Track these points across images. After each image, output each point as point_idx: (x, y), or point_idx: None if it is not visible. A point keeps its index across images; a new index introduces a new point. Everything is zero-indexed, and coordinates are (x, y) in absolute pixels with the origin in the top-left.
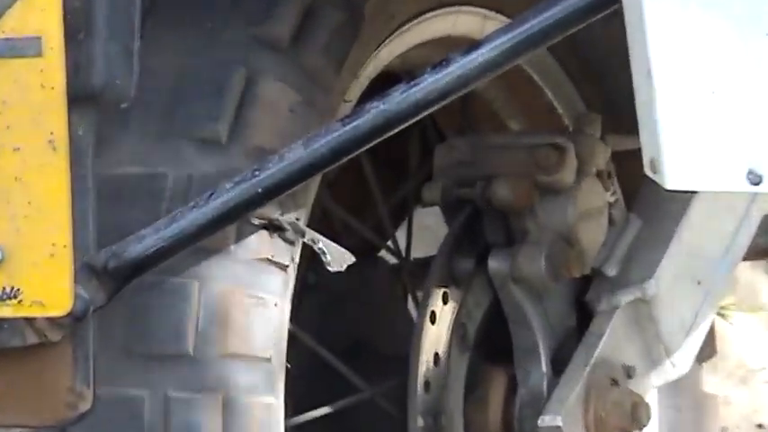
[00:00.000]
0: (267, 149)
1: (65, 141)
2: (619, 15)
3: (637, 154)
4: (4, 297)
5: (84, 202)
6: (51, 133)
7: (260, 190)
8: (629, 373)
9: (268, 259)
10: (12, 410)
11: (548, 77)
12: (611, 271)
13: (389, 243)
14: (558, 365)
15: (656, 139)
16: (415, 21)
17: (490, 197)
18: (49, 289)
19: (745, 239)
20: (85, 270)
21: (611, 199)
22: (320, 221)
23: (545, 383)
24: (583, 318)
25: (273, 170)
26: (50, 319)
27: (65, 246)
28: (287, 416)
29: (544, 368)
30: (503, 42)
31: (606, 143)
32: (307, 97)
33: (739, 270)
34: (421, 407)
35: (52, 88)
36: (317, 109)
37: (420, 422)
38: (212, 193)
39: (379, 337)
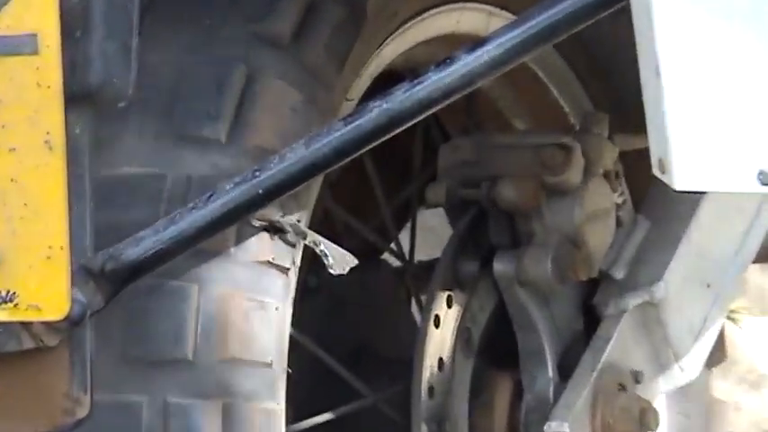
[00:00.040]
0: (268, 149)
1: (61, 141)
2: (626, 12)
3: (645, 154)
4: (0, 301)
5: (82, 204)
6: (48, 133)
7: (260, 191)
8: (637, 378)
9: (269, 262)
10: (7, 417)
11: (554, 75)
12: (619, 274)
13: (392, 245)
14: (565, 370)
15: (665, 139)
16: (419, 18)
17: (495, 198)
18: (46, 292)
19: (755, 241)
20: (82, 273)
21: (619, 200)
22: (322, 223)
23: (551, 389)
24: (590, 321)
25: (274, 170)
26: (47, 324)
27: (61, 248)
28: (288, 422)
29: (550, 373)
30: (508, 40)
31: (614, 143)
32: (308, 96)
33: (750, 273)
34: (425, 413)
35: (48, 87)
36: (318, 108)
37: (424, 429)
38: (212, 195)
39: (381, 342)
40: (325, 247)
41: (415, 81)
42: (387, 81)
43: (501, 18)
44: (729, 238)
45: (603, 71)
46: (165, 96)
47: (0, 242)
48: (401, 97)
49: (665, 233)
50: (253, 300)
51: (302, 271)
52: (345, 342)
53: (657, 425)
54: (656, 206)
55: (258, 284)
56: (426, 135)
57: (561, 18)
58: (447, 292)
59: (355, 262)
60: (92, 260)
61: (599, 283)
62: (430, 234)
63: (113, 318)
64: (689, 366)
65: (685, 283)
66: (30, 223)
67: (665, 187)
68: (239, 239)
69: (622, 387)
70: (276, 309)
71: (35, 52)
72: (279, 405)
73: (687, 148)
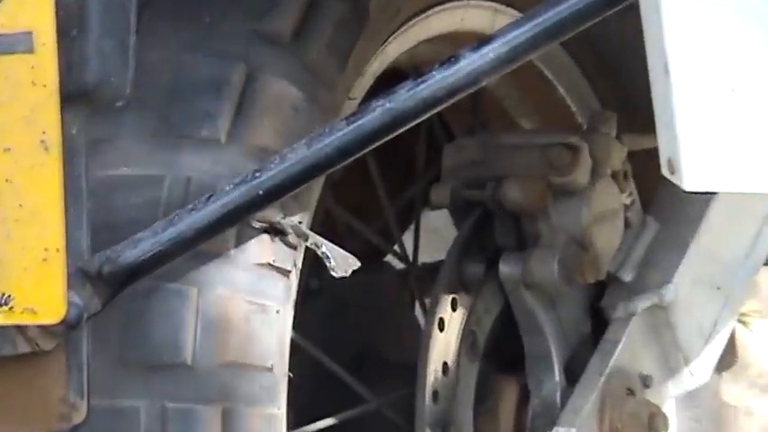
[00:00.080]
0: (268, 149)
1: (57, 141)
2: (635, 9)
3: (654, 153)
4: None
5: (78, 205)
6: (43, 133)
7: (261, 192)
8: (645, 382)
9: (269, 264)
10: (2, 422)
11: (561, 74)
12: (627, 276)
13: (396, 247)
14: (572, 374)
15: (674, 138)
16: (422, 15)
17: (501, 199)
18: (42, 295)
19: (766, 243)
20: (79, 276)
21: (627, 201)
22: (324, 224)
23: (558, 393)
24: (597, 325)
25: (275, 171)
26: (43, 327)
27: (58, 250)
28: (289, 428)
29: (557, 377)
30: (514, 37)
31: (622, 142)
32: (310, 94)
33: (761, 275)
34: (429, 418)
35: (44, 86)
36: (320, 107)
37: None
38: (211, 196)
39: (385, 346)
40: (327, 248)
41: (419, 80)
42: (390, 80)
43: (507, 15)
44: (740, 240)
45: (611, 69)
46: (163, 95)
47: None
48: (405, 96)
49: (674, 235)
50: (253, 303)
51: (304, 273)
52: (348, 346)
53: (667, 430)
54: (666, 207)
55: (259, 287)
56: (430, 135)
57: (568, 15)
58: (451, 295)
59: (358, 264)
60: (88, 262)
61: (607, 285)
62: (434, 235)
63: (111, 321)
64: (699, 370)
65: (695, 285)
66: (25, 225)
67: (674, 188)
68: (239, 241)
69: (631, 392)
70: (277, 312)
71: (30, 50)
72: (280, 410)
73: (697, 148)
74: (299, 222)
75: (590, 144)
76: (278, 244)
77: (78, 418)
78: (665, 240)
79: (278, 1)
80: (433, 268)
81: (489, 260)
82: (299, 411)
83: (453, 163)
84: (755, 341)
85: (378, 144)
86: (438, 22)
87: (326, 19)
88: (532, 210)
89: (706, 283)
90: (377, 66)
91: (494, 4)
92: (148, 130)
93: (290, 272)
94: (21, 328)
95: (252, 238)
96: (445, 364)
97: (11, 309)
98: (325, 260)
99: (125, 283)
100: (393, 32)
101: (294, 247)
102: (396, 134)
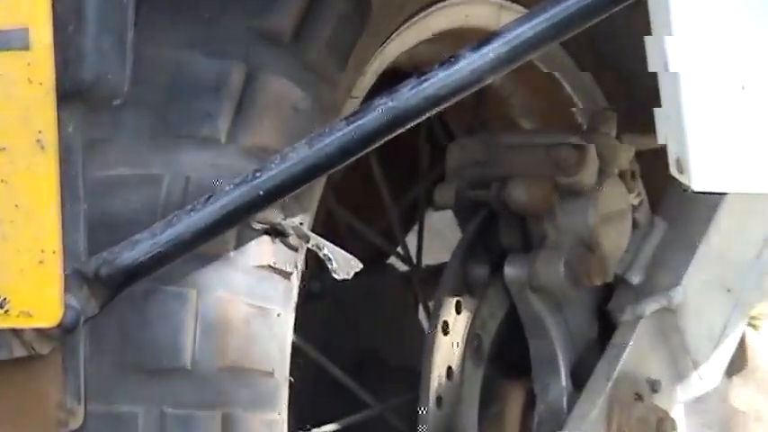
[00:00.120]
0: (269, 149)
1: (54, 140)
2: (642, 5)
3: (662, 153)
4: None
5: (75, 206)
6: (39, 132)
7: (261, 192)
8: (653, 386)
9: (270, 266)
10: None
11: (566, 72)
12: (635, 278)
13: (399, 249)
14: (579, 379)
15: (682, 138)
16: (426, 12)
17: (506, 199)
18: (38, 298)
19: None
20: (76, 278)
21: (635, 201)
22: (325, 226)
23: (565, 398)
24: (605, 328)
25: (275, 171)
26: (39, 331)
27: (54, 252)
28: None
29: (564, 382)
30: (518, 35)
31: (630, 142)
32: (310, 94)
33: None
34: (433, 424)
35: (40, 84)
36: (321, 106)
37: None
38: (210, 196)
39: (388, 350)
40: (329, 250)
41: (422, 78)
42: (392, 78)
43: (512, 11)
44: (750, 242)
45: (617, 68)
46: (161, 94)
47: None
48: (407, 95)
49: (683, 236)
50: (253, 306)
51: (305, 276)
52: (350, 349)
53: None
54: (674, 208)
55: (259, 290)
56: (430, 134)
57: (575, 12)
58: (456, 298)
59: (360, 266)
60: (86, 264)
61: (614, 287)
62: (438, 237)
63: (108, 324)
64: (708, 374)
65: (704, 288)
66: (21, 226)
67: (682, 188)
68: (239, 243)
69: (639, 396)
70: (278, 315)
71: (26, 47)
72: (281, 415)
73: (706, 148)
74: (301, 223)
75: (597, 144)
76: (279, 245)
77: (75, 423)
78: (673, 241)
79: None
80: (437, 270)
81: (494, 262)
82: (301, 417)
83: (457, 163)
84: (766, 344)
85: (380, 143)
86: (442, 19)
87: (328, 17)
88: (538, 210)
89: (716, 286)
90: (378, 64)
91: (498, 0)
92: (147, 130)
93: (291, 274)
94: (16, 332)
95: (252, 239)
96: (449, 368)
97: (6, 312)
98: (327, 262)
99: (123, 285)
100: (396, 30)
101: (295, 249)
102: (398, 133)
